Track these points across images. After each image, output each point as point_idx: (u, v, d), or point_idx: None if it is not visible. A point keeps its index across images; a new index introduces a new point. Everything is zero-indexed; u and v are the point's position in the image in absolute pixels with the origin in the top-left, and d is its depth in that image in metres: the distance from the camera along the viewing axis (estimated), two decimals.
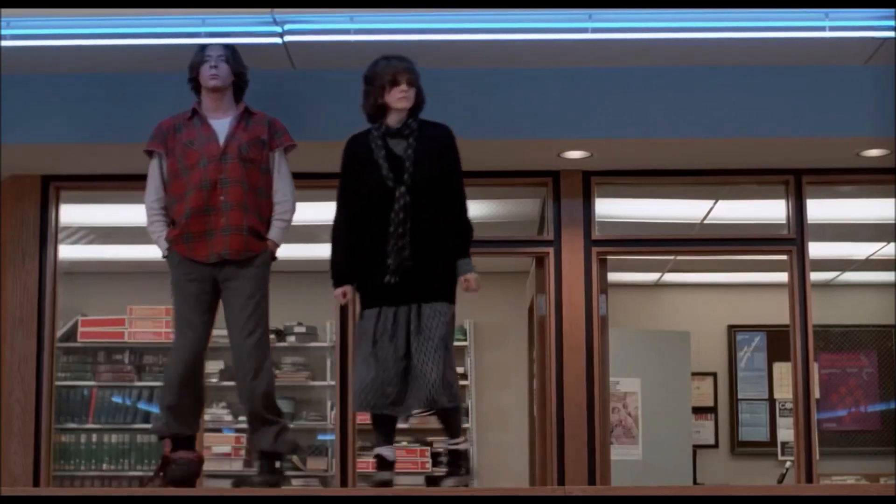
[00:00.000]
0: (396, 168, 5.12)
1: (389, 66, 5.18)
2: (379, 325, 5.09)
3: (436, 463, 9.50)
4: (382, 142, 5.19)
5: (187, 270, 5.38)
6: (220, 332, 9.14)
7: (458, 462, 5.21)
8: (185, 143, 5.44)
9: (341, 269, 5.26)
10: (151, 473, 8.21)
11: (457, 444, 5.21)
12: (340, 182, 5.33)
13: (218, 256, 5.34)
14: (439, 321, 5.07)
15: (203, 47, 5.60)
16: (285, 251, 9.96)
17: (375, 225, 5.13)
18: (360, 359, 5.15)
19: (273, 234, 5.49)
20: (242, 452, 9.07)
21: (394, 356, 5.06)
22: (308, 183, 7.41)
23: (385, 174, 5.12)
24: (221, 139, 5.42)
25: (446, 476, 5.24)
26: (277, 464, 5.42)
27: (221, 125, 5.47)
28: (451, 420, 5.20)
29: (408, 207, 5.07)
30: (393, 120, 5.21)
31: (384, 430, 5.23)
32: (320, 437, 9.33)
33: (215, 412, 9.16)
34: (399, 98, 5.17)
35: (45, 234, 7.30)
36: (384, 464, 5.20)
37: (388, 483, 5.14)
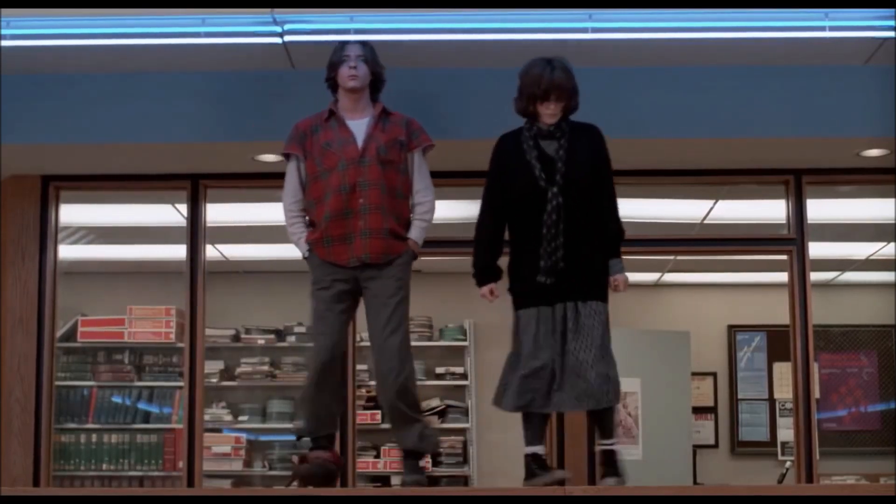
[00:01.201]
0: (548, 169, 5.10)
1: (542, 82, 5.11)
2: (541, 325, 5.06)
3: (436, 463, 9.50)
4: (534, 142, 5.16)
5: (328, 273, 5.33)
6: (220, 333, 9.23)
7: (614, 462, 5.14)
8: (323, 144, 5.37)
9: (487, 266, 5.24)
10: (153, 473, 8.26)
11: (611, 444, 5.16)
12: (489, 180, 5.27)
13: (359, 260, 5.30)
14: (597, 320, 5.05)
15: (342, 46, 5.50)
16: (285, 252, 9.99)
17: (527, 225, 5.11)
18: (521, 359, 5.08)
19: (414, 233, 5.44)
20: (242, 452, 9.08)
21: (550, 354, 5.03)
22: None
23: (538, 175, 5.09)
24: (360, 141, 5.36)
25: (605, 476, 5.16)
26: (422, 462, 5.40)
27: (359, 126, 5.40)
28: (606, 420, 5.16)
29: (560, 209, 5.04)
30: (544, 122, 5.18)
31: (537, 428, 5.22)
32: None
33: (215, 412, 9.16)
34: (548, 114, 5.15)
35: (45, 234, 7.30)
36: (539, 461, 5.18)
37: (562, 482, 5.07)
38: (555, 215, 5.04)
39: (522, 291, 5.14)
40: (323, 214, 5.33)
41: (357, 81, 5.41)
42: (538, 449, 5.19)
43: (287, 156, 5.51)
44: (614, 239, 5.22)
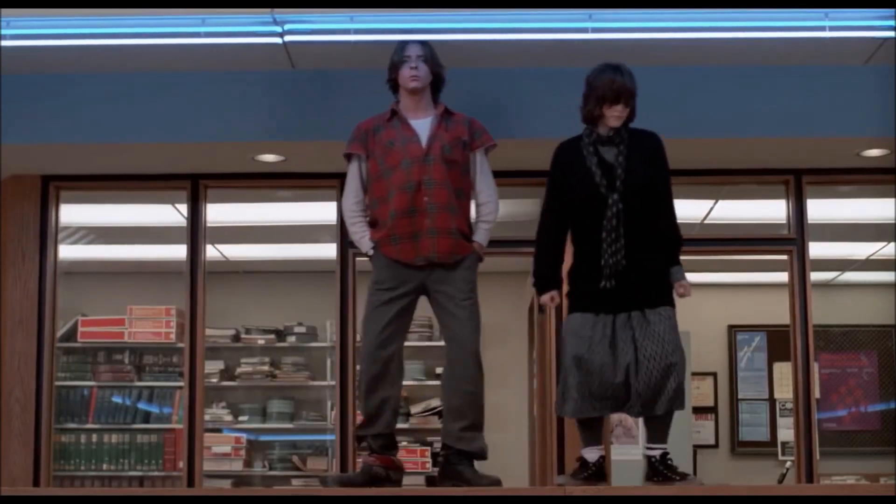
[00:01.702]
0: (608, 175, 5.12)
1: (614, 85, 5.14)
2: (596, 331, 5.06)
3: (436, 463, 9.48)
4: (594, 149, 5.19)
5: (394, 274, 5.32)
6: (220, 333, 9.23)
7: (656, 466, 5.11)
8: (386, 143, 5.38)
9: (548, 273, 5.27)
10: (153, 473, 8.25)
11: (659, 449, 5.13)
12: (549, 188, 5.31)
13: (426, 259, 5.29)
14: (667, 325, 5.08)
15: (402, 46, 5.50)
16: (285, 252, 10.01)
17: (588, 232, 5.13)
18: (573, 363, 5.08)
19: (479, 236, 5.44)
20: (242, 452, 9.07)
21: (613, 361, 5.03)
22: (307, 183, 7.45)
23: (598, 181, 5.11)
24: (423, 140, 5.37)
25: (649, 480, 5.13)
26: (472, 463, 5.32)
27: (422, 125, 5.41)
28: (662, 424, 5.15)
29: (620, 214, 5.07)
30: (604, 128, 5.21)
31: (592, 431, 5.21)
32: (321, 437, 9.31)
33: (215, 412, 9.15)
34: (615, 117, 5.18)
35: (45, 234, 7.31)
36: (585, 465, 5.17)
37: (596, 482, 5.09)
38: (615, 220, 5.07)
39: (583, 296, 5.14)
40: (388, 213, 5.32)
41: (419, 82, 5.42)
42: (589, 453, 5.19)
43: (349, 156, 5.51)
44: (675, 245, 5.26)
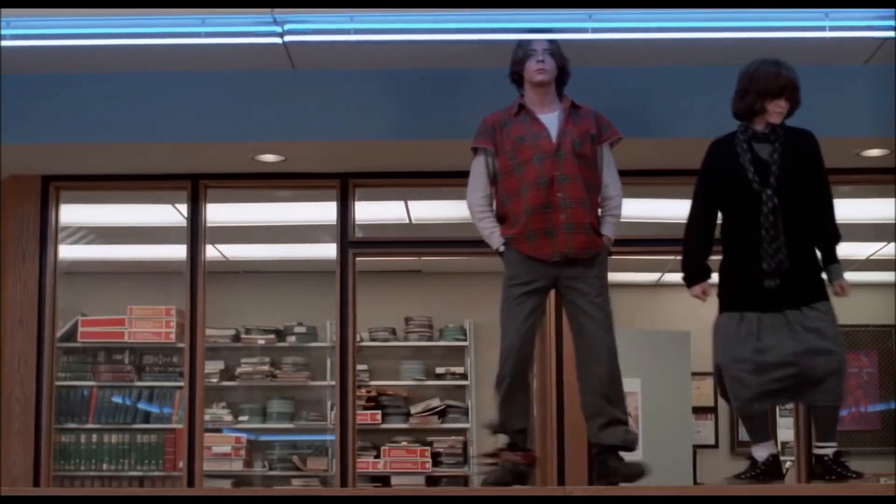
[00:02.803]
0: (762, 172, 5.11)
1: (779, 79, 5.13)
2: (741, 328, 5.05)
3: (436, 463, 9.50)
4: (748, 146, 5.17)
5: (528, 269, 5.31)
6: (220, 333, 9.23)
7: (830, 468, 5.12)
8: (516, 138, 5.36)
9: (698, 267, 5.26)
10: (153, 473, 8.25)
11: (826, 447, 5.12)
12: (700, 183, 5.30)
13: (561, 255, 5.28)
14: (824, 320, 5.05)
15: (527, 42, 5.51)
16: (285, 252, 10.00)
17: (741, 229, 5.12)
18: (728, 363, 5.08)
19: (607, 230, 5.44)
20: (242, 452, 9.09)
21: (774, 359, 5.00)
22: (307, 183, 7.45)
23: (751, 177, 5.10)
24: (553, 134, 5.36)
25: (814, 479, 5.17)
26: (621, 456, 5.36)
27: (550, 120, 5.40)
28: (829, 420, 5.12)
29: (777, 210, 5.05)
30: (760, 125, 5.19)
31: (758, 427, 5.17)
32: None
33: (215, 412, 9.17)
34: (777, 113, 5.16)
35: (45, 234, 7.31)
36: (753, 464, 5.15)
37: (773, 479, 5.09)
38: (772, 216, 5.05)
39: (737, 294, 5.11)
40: (521, 209, 5.31)
41: (545, 75, 5.43)
42: (758, 451, 5.17)
43: (475, 150, 5.50)
44: (832, 243, 5.22)
